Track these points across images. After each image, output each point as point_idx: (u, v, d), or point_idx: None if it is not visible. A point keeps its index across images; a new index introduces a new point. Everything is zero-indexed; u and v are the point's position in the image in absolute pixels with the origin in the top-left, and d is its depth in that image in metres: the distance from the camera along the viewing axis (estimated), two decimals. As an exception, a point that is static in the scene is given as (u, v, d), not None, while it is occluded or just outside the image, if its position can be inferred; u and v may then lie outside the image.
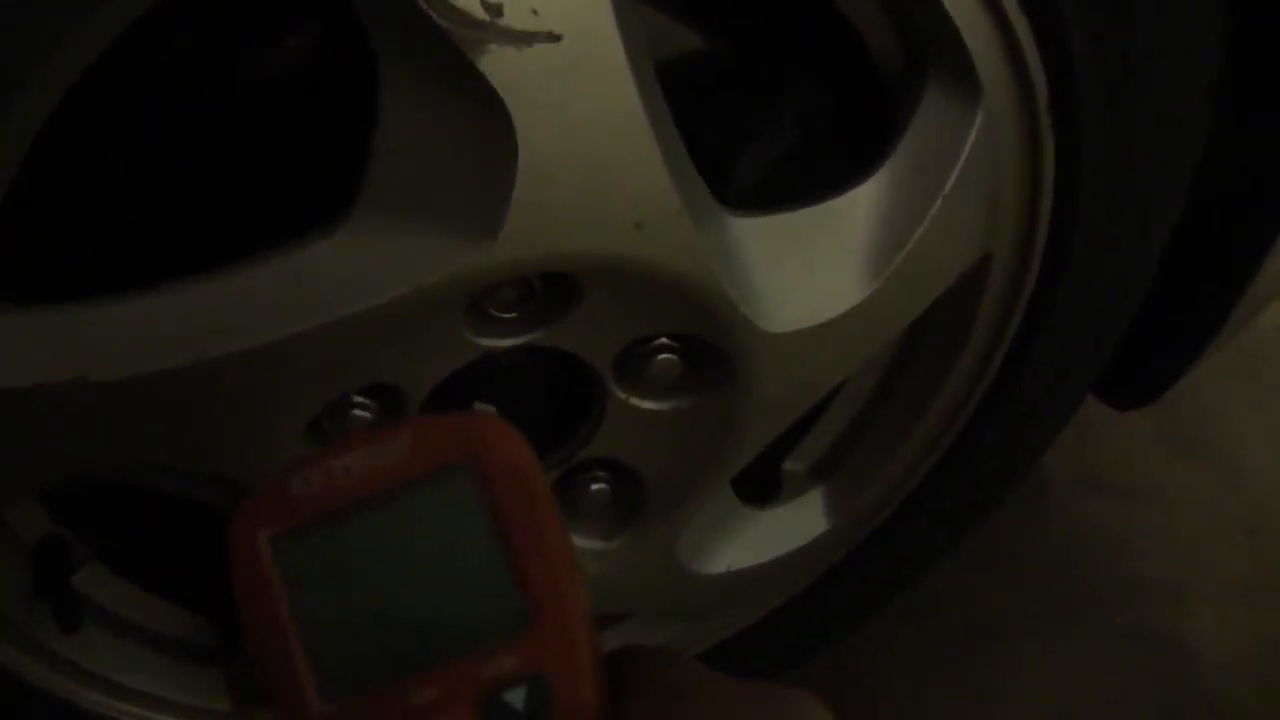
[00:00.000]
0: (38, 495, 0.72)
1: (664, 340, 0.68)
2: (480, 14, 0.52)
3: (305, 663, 0.39)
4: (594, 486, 0.76)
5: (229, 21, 0.61)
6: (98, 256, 0.64)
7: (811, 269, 0.67)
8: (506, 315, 0.64)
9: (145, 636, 0.81)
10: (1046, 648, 1.28)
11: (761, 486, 0.85)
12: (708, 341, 0.67)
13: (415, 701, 0.39)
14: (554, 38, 0.54)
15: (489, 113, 0.55)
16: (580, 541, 0.78)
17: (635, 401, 0.70)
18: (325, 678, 0.40)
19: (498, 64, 0.53)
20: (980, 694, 1.24)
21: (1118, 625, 1.30)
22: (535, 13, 0.53)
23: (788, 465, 0.87)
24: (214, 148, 0.64)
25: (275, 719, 0.40)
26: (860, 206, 0.68)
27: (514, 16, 0.53)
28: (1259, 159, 0.81)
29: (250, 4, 0.62)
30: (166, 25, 0.55)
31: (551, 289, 0.63)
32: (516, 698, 0.39)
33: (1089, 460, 1.44)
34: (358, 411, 0.64)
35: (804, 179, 0.70)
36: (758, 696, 0.40)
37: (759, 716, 0.39)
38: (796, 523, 0.86)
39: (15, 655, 0.75)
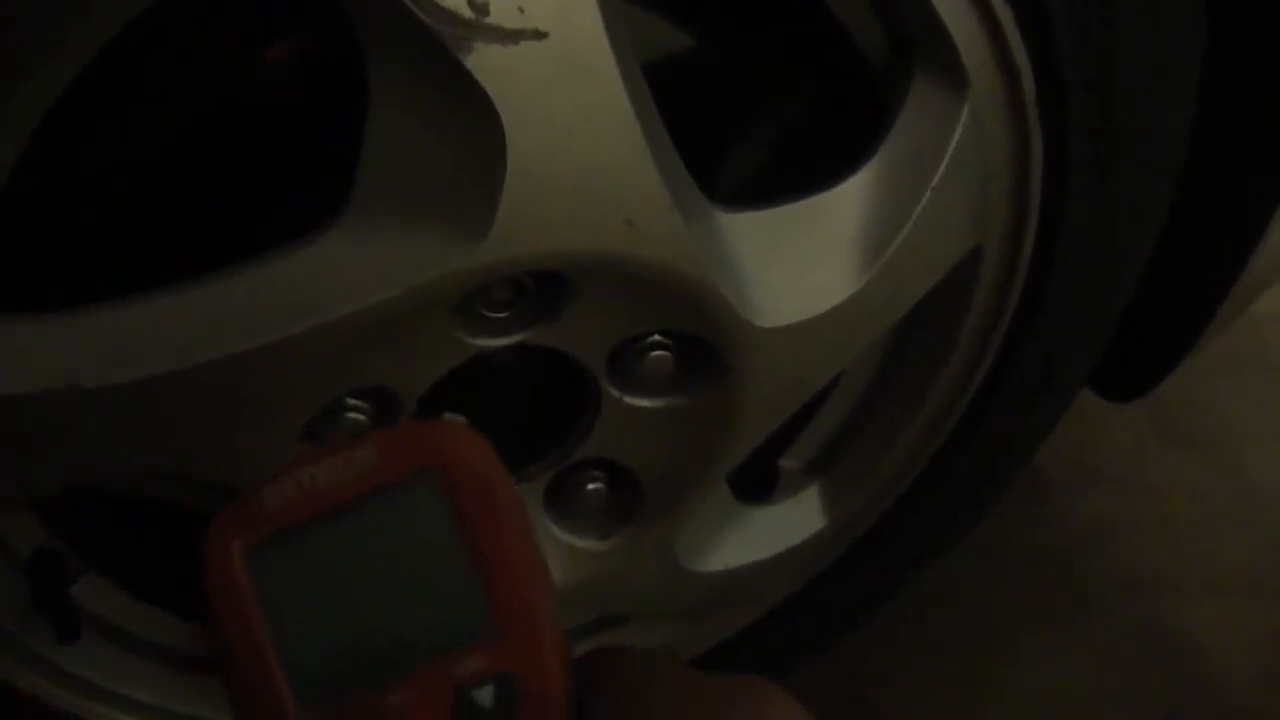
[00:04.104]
0: (32, 506, 0.72)
1: (656, 337, 0.67)
2: (467, 13, 0.53)
3: (281, 672, 0.40)
4: (590, 486, 0.76)
5: (219, 25, 0.61)
6: (89, 262, 0.64)
7: (802, 264, 0.68)
8: (498, 315, 0.64)
9: (145, 647, 0.81)
10: (1046, 643, 1.28)
11: (758, 484, 0.85)
12: (700, 338, 0.67)
13: (390, 705, 0.40)
14: (540, 35, 0.54)
15: (477, 111, 0.55)
16: (576, 542, 0.78)
17: (629, 400, 0.70)
18: (301, 686, 0.40)
19: (485, 62, 0.54)
20: (979, 690, 1.24)
21: (1117, 620, 1.30)
22: (521, 10, 0.53)
23: (784, 462, 0.87)
24: (205, 153, 0.64)
25: None
26: (849, 201, 0.68)
27: (500, 15, 0.53)
28: (1248, 150, 0.82)
29: (241, 8, 0.62)
30: (154, 31, 0.56)
31: (543, 288, 0.63)
32: (485, 696, 0.40)
33: (1085, 454, 1.44)
34: (352, 414, 0.64)
35: (793, 174, 0.70)
36: (726, 687, 0.41)
37: (728, 705, 0.40)
38: (793, 520, 0.86)
39: (14, 668, 0.75)
